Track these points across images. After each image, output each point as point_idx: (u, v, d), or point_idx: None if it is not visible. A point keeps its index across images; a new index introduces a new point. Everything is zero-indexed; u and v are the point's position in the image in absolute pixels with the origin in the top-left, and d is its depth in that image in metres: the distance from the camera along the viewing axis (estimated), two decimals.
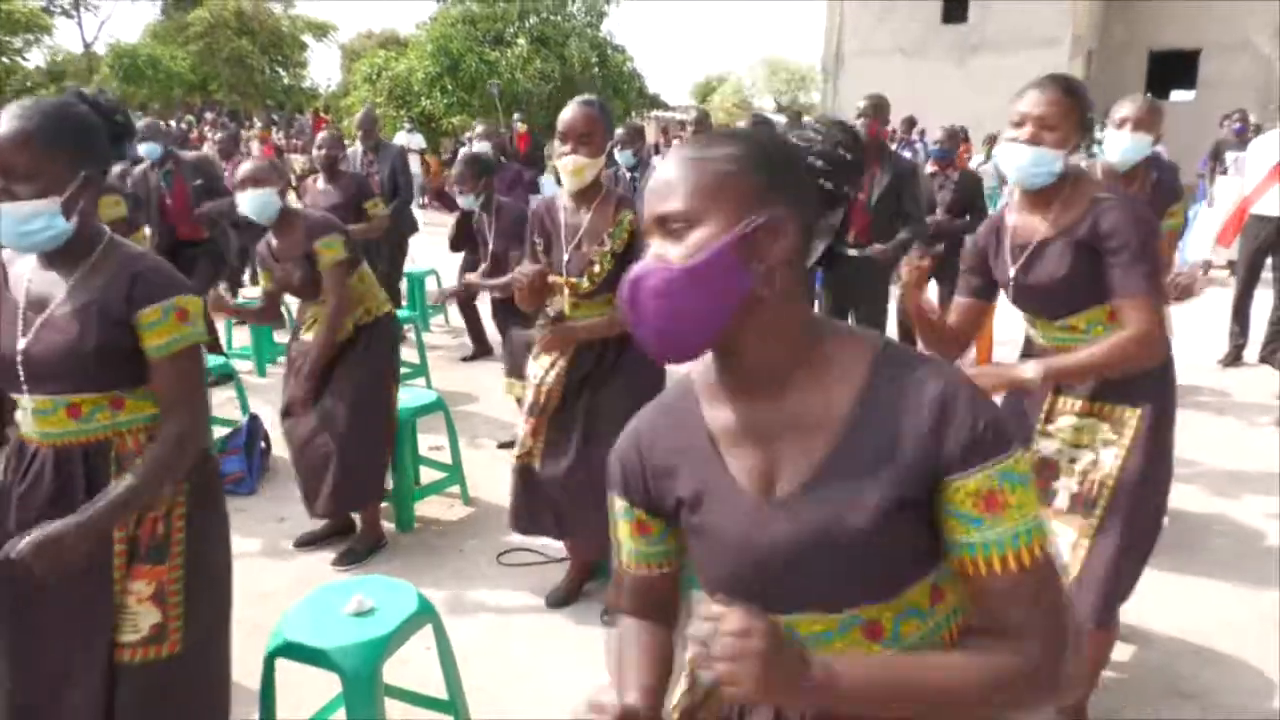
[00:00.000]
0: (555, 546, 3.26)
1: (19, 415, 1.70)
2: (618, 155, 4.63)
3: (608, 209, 2.69)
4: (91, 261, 1.63)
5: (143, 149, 5.43)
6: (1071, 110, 1.93)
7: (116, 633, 1.65)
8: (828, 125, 1.02)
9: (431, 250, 8.15)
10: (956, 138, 6.05)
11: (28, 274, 1.66)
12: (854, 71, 18.66)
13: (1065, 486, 2.11)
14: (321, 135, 5.68)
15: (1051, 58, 17.37)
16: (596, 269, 2.67)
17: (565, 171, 2.63)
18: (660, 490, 1.08)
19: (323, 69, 45.55)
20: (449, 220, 7.13)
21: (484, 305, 5.98)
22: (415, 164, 14.61)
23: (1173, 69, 18.32)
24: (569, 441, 2.75)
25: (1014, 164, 1.95)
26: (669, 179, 0.95)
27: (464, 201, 4.30)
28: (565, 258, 2.72)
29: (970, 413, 0.93)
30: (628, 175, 4.99)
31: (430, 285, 7.07)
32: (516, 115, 13.38)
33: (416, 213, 7.27)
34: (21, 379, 1.62)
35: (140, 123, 5.89)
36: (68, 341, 1.58)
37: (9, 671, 1.71)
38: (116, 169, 5.59)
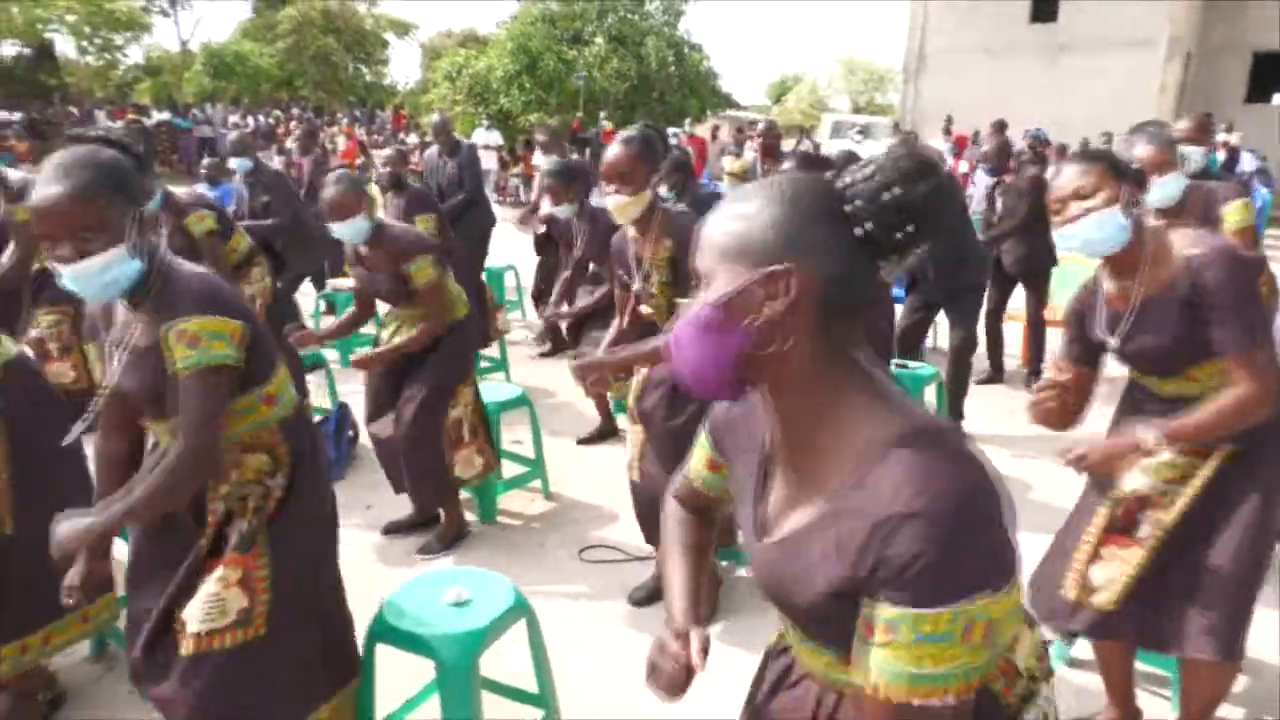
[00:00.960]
0: (637, 544, 3.26)
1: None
2: (555, 209, 4.52)
3: (656, 237, 2.73)
4: (152, 293, 1.68)
5: (233, 163, 5.78)
6: (1102, 171, 1.90)
7: (202, 620, 1.71)
8: (891, 160, 0.92)
9: (511, 245, 8.26)
10: (1006, 152, 5.93)
11: (117, 312, 1.76)
12: (936, 71, 18.23)
13: (1153, 520, 2.04)
14: (386, 153, 5.88)
15: (1145, 59, 16.75)
16: (657, 302, 2.77)
17: (611, 210, 2.70)
18: (729, 461, 1.20)
19: (403, 67, 46.43)
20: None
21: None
22: (492, 160, 14.85)
23: (1278, 71, 17.44)
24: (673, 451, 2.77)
25: (1078, 244, 1.92)
26: (703, 233, 0.99)
27: (560, 211, 4.28)
28: (637, 287, 2.81)
29: (914, 548, 0.85)
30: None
31: (509, 280, 7.16)
32: (603, 114, 13.47)
33: (495, 208, 7.36)
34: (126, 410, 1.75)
35: (230, 136, 6.20)
36: (139, 383, 1.68)
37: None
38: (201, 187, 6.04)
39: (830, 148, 20.10)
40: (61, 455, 2.25)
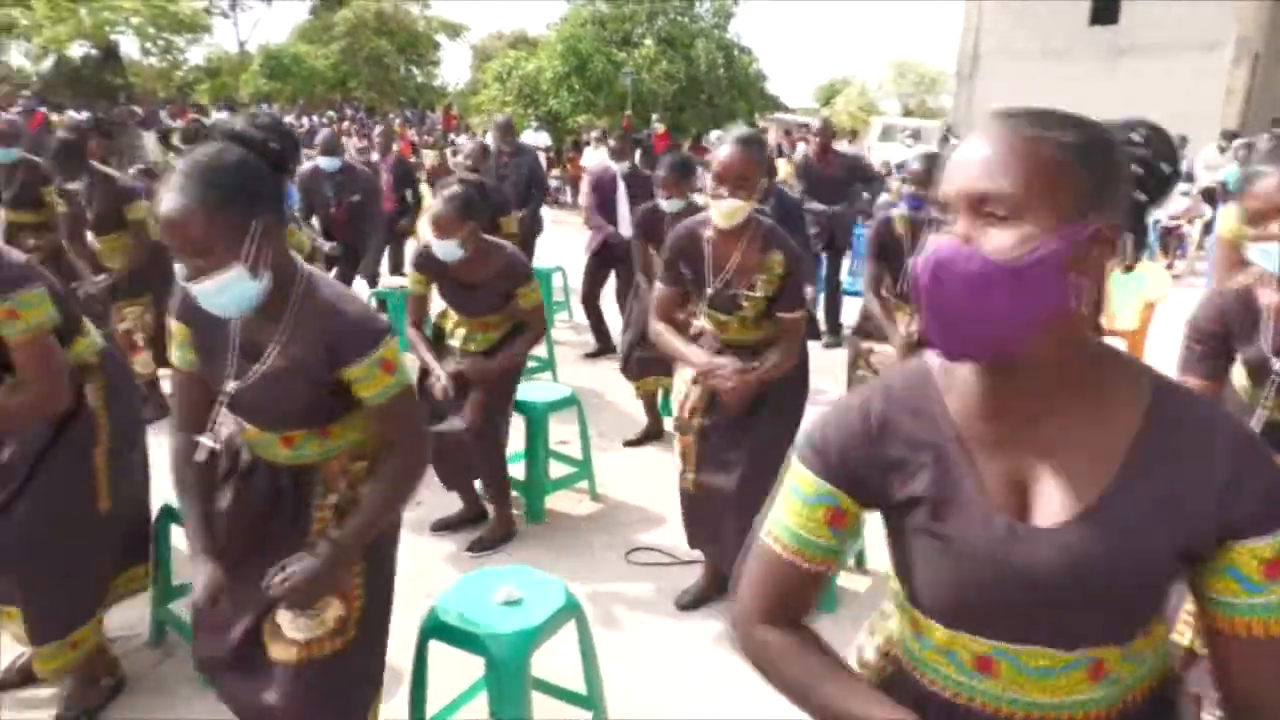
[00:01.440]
0: (683, 548, 3.24)
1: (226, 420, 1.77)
2: (661, 202, 4.40)
3: (756, 247, 2.65)
4: (292, 307, 1.61)
5: (323, 162, 5.94)
6: None
7: (300, 629, 1.72)
8: (1146, 130, 0.93)
9: (559, 247, 8.30)
10: None
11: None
12: (991, 74, 17.95)
13: None
14: (470, 148, 5.97)
15: (1210, 62, 16.27)
16: (746, 313, 2.70)
17: (720, 214, 2.57)
18: (886, 482, 0.98)
19: (453, 68, 47.12)
20: (578, 218, 7.25)
21: (607, 305, 6.04)
22: (540, 161, 14.96)
23: None
24: (725, 459, 2.75)
25: (1274, 265, 1.79)
26: (997, 154, 0.84)
27: (668, 205, 4.21)
28: (709, 292, 2.71)
29: (1266, 472, 0.87)
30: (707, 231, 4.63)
31: (557, 282, 7.19)
32: (655, 116, 13.49)
33: (544, 211, 7.41)
34: (237, 410, 1.72)
35: (321, 134, 6.35)
36: (279, 395, 1.65)
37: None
38: None
39: (880, 151, 19.88)
40: (139, 441, 2.37)
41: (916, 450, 0.97)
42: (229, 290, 1.50)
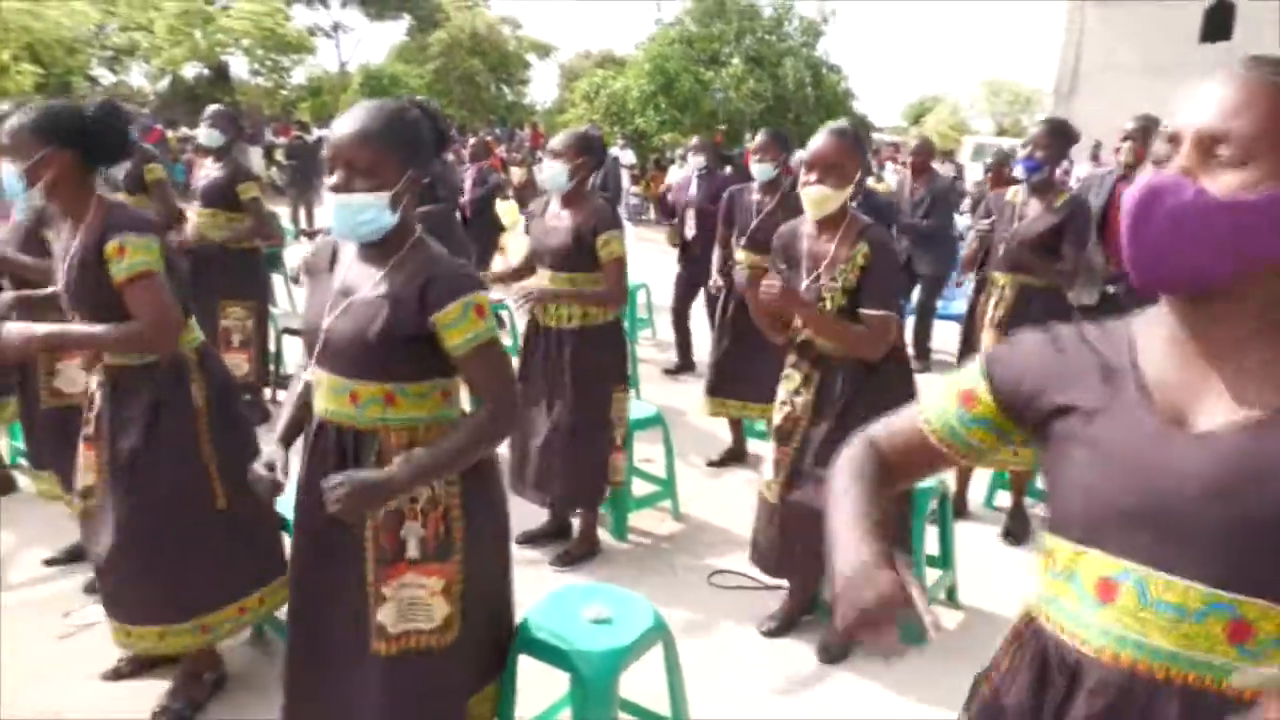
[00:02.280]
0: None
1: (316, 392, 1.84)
2: (754, 166, 4.35)
3: (848, 242, 2.61)
4: (400, 256, 1.73)
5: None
6: None
7: (406, 620, 1.76)
8: None
9: (641, 264, 8.34)
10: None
11: (348, 261, 1.80)
12: (1092, 92, 17.36)
13: None
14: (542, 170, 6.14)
15: None
16: (828, 304, 2.62)
17: (808, 200, 2.58)
18: (1045, 386, 1.01)
19: (541, 86, 48.08)
20: (661, 235, 7.29)
21: (697, 323, 6.05)
22: (625, 179, 15.10)
23: None
24: (808, 474, 2.67)
25: None
26: (1238, 96, 0.84)
27: (759, 170, 4.23)
28: (803, 285, 2.67)
29: None
30: (755, 189, 4.42)
31: (640, 298, 7.23)
32: (748, 135, 13.47)
33: (627, 225, 7.46)
34: (321, 354, 1.77)
35: None
36: (360, 326, 1.70)
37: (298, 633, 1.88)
38: None
39: (973, 171, 19.39)
40: (250, 443, 2.43)
41: (1086, 361, 0.99)
42: (366, 211, 1.66)
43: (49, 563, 3.28)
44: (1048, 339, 1.05)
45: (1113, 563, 0.91)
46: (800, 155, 2.69)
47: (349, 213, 1.66)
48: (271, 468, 1.81)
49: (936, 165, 7.85)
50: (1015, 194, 3.73)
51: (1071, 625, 0.97)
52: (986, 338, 3.65)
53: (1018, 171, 3.71)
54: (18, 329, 2.15)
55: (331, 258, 1.84)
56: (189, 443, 2.31)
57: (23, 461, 4.01)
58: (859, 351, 2.60)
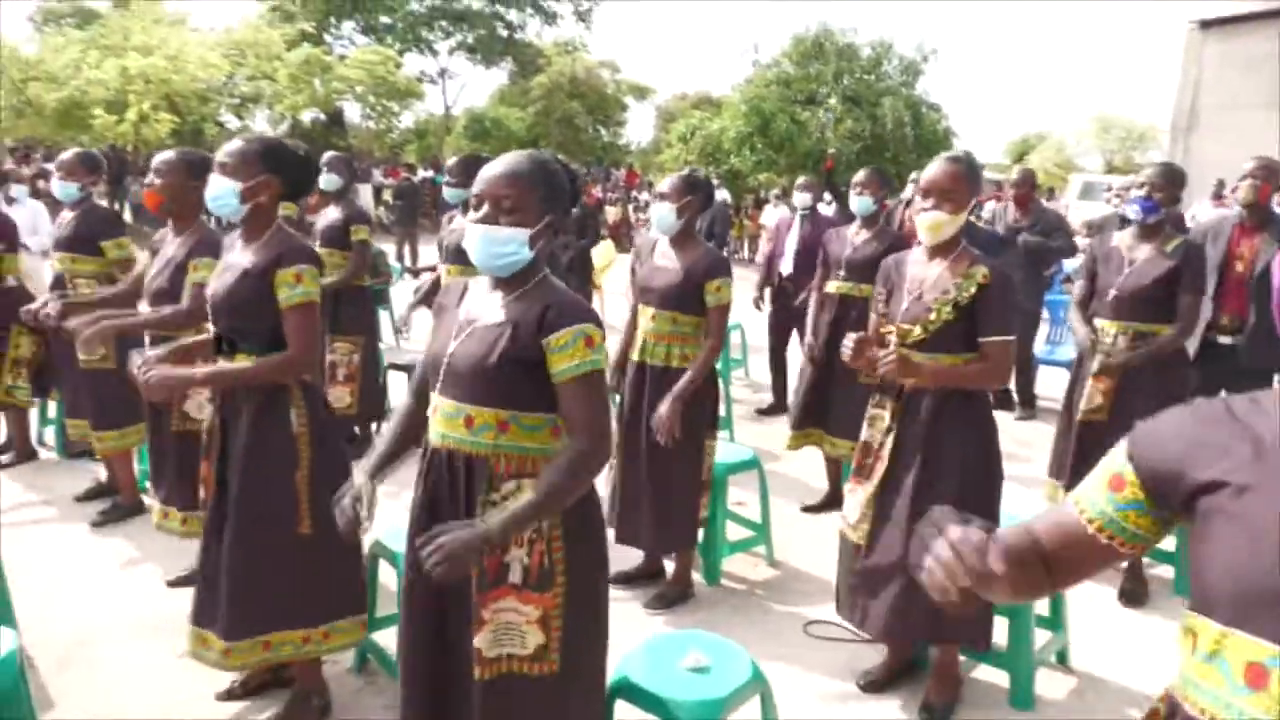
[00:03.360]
0: None
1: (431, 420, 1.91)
2: (854, 200, 4.37)
3: (961, 264, 2.58)
4: (525, 289, 1.83)
5: None
6: None
7: (500, 645, 1.79)
8: None
9: (736, 303, 8.32)
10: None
11: (475, 296, 1.90)
12: (1212, 129, 16.54)
13: None
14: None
15: None
16: (933, 316, 2.55)
17: (922, 226, 2.58)
18: (1191, 461, 0.99)
19: (637, 127, 48.90)
20: (754, 275, 7.28)
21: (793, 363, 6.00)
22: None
23: None
24: (899, 521, 2.60)
25: None
26: None
27: (859, 205, 4.31)
28: (904, 307, 2.63)
29: None
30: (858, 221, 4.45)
31: (734, 339, 7.21)
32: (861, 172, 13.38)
33: None
34: (442, 382, 1.84)
35: None
36: (481, 350, 1.78)
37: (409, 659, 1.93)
38: None
39: (1079, 210, 18.69)
40: (343, 472, 2.52)
41: (1235, 435, 0.97)
42: (507, 245, 1.76)
43: (171, 583, 3.47)
44: (1190, 412, 1.03)
45: (1264, 647, 0.87)
46: (906, 192, 2.68)
47: (491, 244, 1.77)
48: (358, 499, 1.88)
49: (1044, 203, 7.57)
50: (1121, 238, 3.59)
51: (1219, 711, 0.92)
52: (1093, 388, 3.49)
53: (1131, 212, 3.56)
54: (176, 374, 2.34)
55: (460, 297, 1.94)
56: (285, 465, 2.42)
57: (149, 486, 4.27)
58: (985, 384, 2.60)
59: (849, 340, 2.58)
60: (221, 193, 2.40)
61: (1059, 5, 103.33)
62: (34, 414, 5.01)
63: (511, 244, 1.76)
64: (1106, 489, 1.09)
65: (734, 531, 3.91)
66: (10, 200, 6.46)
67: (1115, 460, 1.09)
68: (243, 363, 2.38)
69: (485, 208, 1.78)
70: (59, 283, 4.08)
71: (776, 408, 6.26)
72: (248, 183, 2.39)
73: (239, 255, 2.46)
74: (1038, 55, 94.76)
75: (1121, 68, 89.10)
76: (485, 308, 1.85)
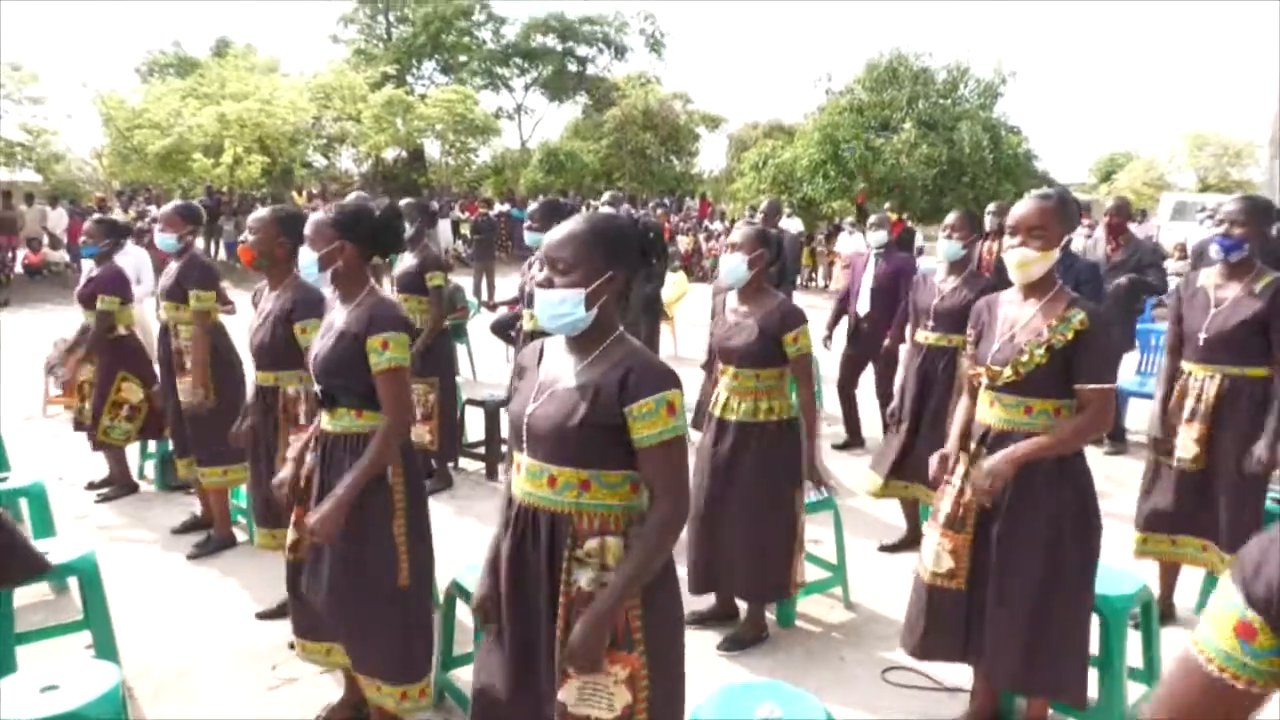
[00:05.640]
0: (946, 672, 3.02)
1: (514, 475, 1.95)
2: (942, 244, 4.21)
3: (1057, 306, 2.50)
4: (600, 350, 1.84)
5: None
6: None
7: (585, 704, 1.81)
8: None
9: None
10: None
11: (553, 356, 1.93)
12: None
13: None
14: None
15: None
16: (1025, 358, 2.47)
17: (1011, 264, 2.53)
18: None
19: (710, 156, 48.82)
20: (826, 302, 7.21)
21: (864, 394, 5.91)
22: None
23: None
24: (989, 568, 2.53)
25: None
26: None
27: (948, 250, 4.20)
28: (995, 348, 2.56)
29: None
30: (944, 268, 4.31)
31: None
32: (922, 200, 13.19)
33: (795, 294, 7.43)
34: (524, 440, 1.89)
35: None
36: (561, 413, 1.81)
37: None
38: None
39: (1171, 232, 17.94)
40: (428, 531, 2.61)
41: None
42: (562, 305, 1.79)
43: (261, 616, 3.60)
44: None
45: None
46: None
47: (548, 305, 1.81)
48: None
49: (1135, 226, 7.31)
50: (1209, 275, 3.42)
51: None
52: (1185, 435, 3.34)
53: (1212, 252, 3.40)
54: (328, 510, 2.39)
55: (539, 357, 1.97)
56: (384, 517, 2.50)
57: (241, 519, 4.45)
58: (1086, 440, 2.54)
59: (934, 461, 2.68)
60: (306, 263, 2.58)
61: (1146, 17, 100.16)
62: (134, 448, 5.29)
63: (566, 304, 1.79)
64: (1234, 638, 0.97)
65: (810, 572, 3.85)
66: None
67: (1231, 605, 0.98)
68: (359, 463, 2.44)
69: (545, 270, 1.84)
70: (164, 330, 4.31)
71: (852, 443, 6.17)
72: (322, 251, 2.54)
73: (337, 315, 2.58)
74: (1125, 70, 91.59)
75: (1216, 81, 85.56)
76: (563, 368, 1.87)
